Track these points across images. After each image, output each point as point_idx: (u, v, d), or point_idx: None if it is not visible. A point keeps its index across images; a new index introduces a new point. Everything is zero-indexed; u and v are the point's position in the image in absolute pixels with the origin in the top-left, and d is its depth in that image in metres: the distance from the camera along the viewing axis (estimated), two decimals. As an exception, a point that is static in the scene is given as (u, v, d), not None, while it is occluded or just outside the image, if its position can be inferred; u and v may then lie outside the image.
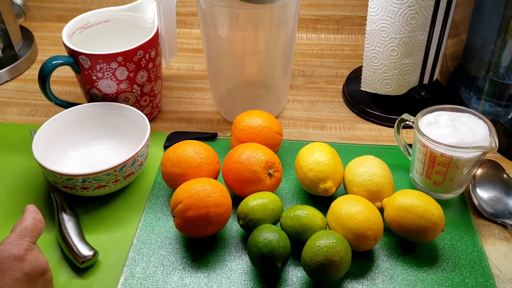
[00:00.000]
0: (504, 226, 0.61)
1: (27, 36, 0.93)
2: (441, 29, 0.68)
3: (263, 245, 0.53)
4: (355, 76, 0.82)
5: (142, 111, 0.71)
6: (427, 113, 0.63)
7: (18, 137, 0.74)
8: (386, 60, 0.72)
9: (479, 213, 0.63)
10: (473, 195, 0.64)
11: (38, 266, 0.46)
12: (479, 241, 0.59)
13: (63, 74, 0.85)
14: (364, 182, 0.60)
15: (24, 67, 0.89)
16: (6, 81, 0.86)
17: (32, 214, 0.50)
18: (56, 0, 0.98)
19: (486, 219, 0.62)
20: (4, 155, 0.71)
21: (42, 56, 0.93)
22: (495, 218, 0.62)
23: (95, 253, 0.56)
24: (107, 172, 0.60)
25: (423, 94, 0.75)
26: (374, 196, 0.59)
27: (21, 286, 0.44)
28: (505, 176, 0.65)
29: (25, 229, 0.48)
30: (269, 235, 0.53)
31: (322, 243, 0.52)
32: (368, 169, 0.60)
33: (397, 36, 0.69)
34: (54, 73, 0.69)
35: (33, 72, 0.89)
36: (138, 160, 0.63)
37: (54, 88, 0.83)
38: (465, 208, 0.63)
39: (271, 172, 0.61)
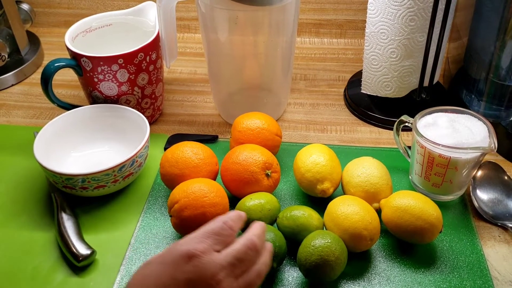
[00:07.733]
0: (504, 228, 0.60)
1: (34, 41, 0.95)
2: (441, 31, 0.68)
3: (258, 245, 0.53)
4: (357, 79, 0.82)
5: (143, 113, 0.71)
6: (426, 114, 0.63)
7: (22, 139, 0.75)
8: (385, 62, 0.72)
9: (479, 215, 0.62)
10: (473, 197, 0.63)
11: (207, 277, 0.38)
12: (478, 243, 0.59)
13: (68, 77, 0.86)
14: (361, 183, 0.60)
15: (30, 71, 0.90)
16: (12, 85, 0.88)
17: (224, 219, 0.42)
18: (63, 6, 0.99)
19: (486, 221, 0.61)
20: (8, 156, 0.72)
21: (48, 60, 0.94)
22: (495, 220, 0.61)
23: (93, 252, 0.57)
24: (106, 172, 0.60)
25: (424, 96, 0.74)
26: (372, 197, 0.59)
27: None
28: (505, 178, 0.64)
29: (212, 230, 0.41)
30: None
31: (317, 243, 0.52)
32: (365, 170, 0.60)
33: (396, 38, 0.69)
34: (59, 77, 0.70)
35: (39, 76, 0.89)
36: (137, 161, 0.63)
37: (59, 91, 0.85)
38: (465, 210, 0.63)
39: (269, 173, 0.61)
